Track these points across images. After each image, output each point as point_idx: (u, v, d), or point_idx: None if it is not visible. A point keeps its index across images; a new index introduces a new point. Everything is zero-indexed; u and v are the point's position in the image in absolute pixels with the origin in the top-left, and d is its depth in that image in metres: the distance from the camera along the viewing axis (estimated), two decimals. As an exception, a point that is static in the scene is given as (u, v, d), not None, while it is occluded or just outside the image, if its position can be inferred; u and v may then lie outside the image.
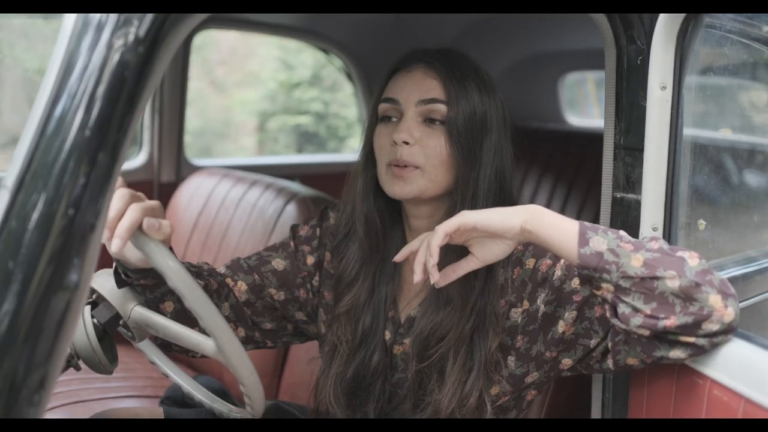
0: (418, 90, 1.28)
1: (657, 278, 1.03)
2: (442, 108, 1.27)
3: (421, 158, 1.26)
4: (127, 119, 0.82)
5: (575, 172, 3.02)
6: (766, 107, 1.70)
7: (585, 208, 2.91)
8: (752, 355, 1.02)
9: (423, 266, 1.17)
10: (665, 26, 1.19)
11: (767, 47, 1.41)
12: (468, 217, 1.13)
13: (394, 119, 1.31)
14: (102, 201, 0.82)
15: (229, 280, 1.40)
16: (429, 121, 1.28)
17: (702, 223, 1.41)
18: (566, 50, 3.18)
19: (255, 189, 2.30)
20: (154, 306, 1.25)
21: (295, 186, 2.27)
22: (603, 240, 1.08)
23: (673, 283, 1.02)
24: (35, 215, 0.78)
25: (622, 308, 1.07)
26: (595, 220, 2.87)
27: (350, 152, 3.78)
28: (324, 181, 2.97)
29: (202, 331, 1.14)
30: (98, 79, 0.80)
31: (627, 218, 1.33)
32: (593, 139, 3.24)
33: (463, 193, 1.27)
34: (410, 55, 1.33)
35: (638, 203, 1.32)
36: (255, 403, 1.17)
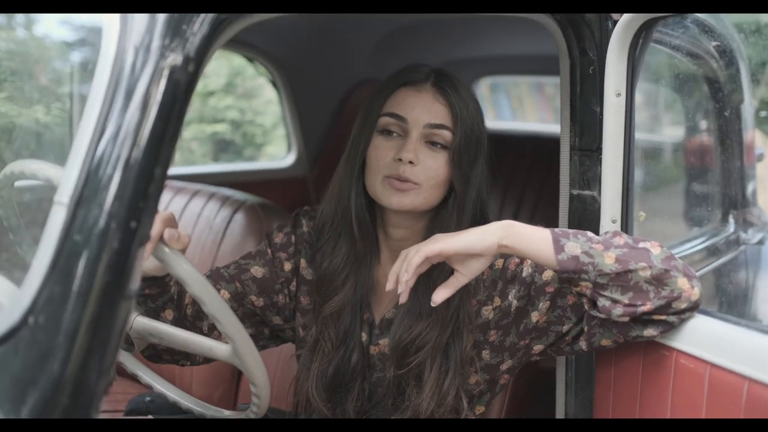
0: (428, 113, 1.35)
1: (630, 271, 1.16)
2: (447, 134, 1.35)
3: (422, 177, 1.33)
4: (176, 133, 0.86)
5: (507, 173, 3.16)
6: (693, 111, 1.90)
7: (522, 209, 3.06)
8: (714, 326, 1.18)
9: (396, 277, 1.24)
10: (618, 40, 1.34)
11: (701, 61, 1.60)
12: (448, 245, 1.20)
13: (395, 134, 1.37)
14: (155, 213, 0.86)
15: None
16: (431, 143, 1.35)
17: (642, 215, 1.57)
18: (480, 57, 3.34)
19: (198, 199, 2.31)
20: (155, 315, 1.28)
21: (239, 194, 2.29)
22: (576, 244, 1.20)
23: (645, 273, 1.16)
24: (98, 229, 0.82)
25: (602, 302, 1.20)
26: (531, 218, 3.01)
27: (268, 159, 3.81)
28: (249, 189, 2.99)
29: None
30: (150, 98, 0.85)
31: (584, 213, 1.47)
32: (503, 141, 3.42)
33: (451, 211, 1.37)
34: (416, 72, 1.39)
35: (594, 199, 1.46)
36: (263, 402, 1.22)
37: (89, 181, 0.83)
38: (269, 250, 1.50)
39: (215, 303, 1.08)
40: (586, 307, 1.24)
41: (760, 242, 2.18)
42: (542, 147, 2.35)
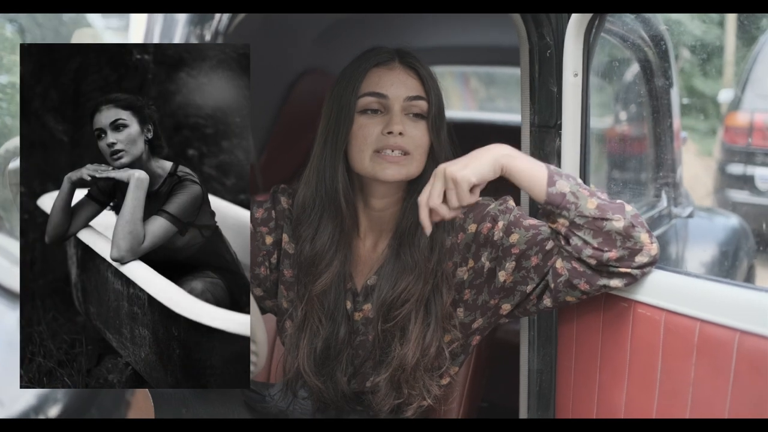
0: (405, 87, 1.47)
1: (606, 219, 1.31)
2: (424, 104, 1.47)
3: (412, 146, 1.45)
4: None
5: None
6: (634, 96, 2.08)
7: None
8: (668, 278, 1.33)
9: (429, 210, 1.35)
10: (575, 25, 1.48)
11: (638, 48, 1.76)
12: (463, 176, 1.31)
13: (378, 112, 1.47)
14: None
15: None
16: (411, 115, 1.47)
17: (592, 186, 1.71)
18: (423, 47, 3.46)
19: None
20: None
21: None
22: (566, 184, 1.34)
23: (618, 224, 1.31)
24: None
25: (574, 240, 1.33)
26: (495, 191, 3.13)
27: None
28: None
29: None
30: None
31: (543, 185, 1.60)
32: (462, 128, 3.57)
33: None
34: (381, 53, 1.49)
35: (552, 172, 1.60)
36: (260, 361, 1.30)
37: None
38: (250, 225, 1.57)
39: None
40: (561, 243, 1.36)
41: (690, 215, 2.38)
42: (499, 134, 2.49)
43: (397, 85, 1.46)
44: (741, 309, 1.20)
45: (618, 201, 1.36)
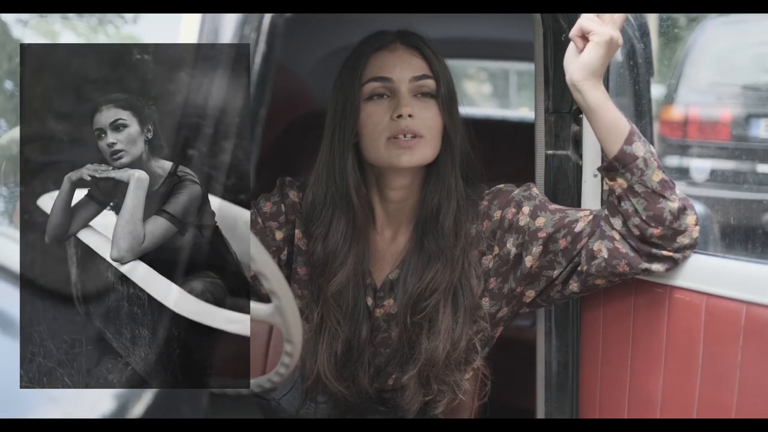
0: (409, 67, 1.41)
1: (664, 198, 1.29)
2: (431, 83, 1.41)
3: (424, 128, 1.39)
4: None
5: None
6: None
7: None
8: (707, 262, 1.31)
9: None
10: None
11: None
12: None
13: (384, 96, 1.40)
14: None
15: None
16: (420, 95, 1.41)
17: (596, 174, 1.69)
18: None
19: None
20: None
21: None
22: (643, 148, 1.31)
23: (674, 205, 1.29)
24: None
25: (626, 205, 1.30)
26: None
27: None
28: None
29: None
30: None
31: (559, 171, 1.57)
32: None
33: (445, 160, 1.42)
34: (382, 37, 1.43)
35: (568, 158, 1.57)
36: (292, 363, 1.21)
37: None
38: (259, 219, 1.49)
39: (264, 260, 1.08)
40: (615, 201, 1.33)
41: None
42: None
43: (401, 66, 1.41)
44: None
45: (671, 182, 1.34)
